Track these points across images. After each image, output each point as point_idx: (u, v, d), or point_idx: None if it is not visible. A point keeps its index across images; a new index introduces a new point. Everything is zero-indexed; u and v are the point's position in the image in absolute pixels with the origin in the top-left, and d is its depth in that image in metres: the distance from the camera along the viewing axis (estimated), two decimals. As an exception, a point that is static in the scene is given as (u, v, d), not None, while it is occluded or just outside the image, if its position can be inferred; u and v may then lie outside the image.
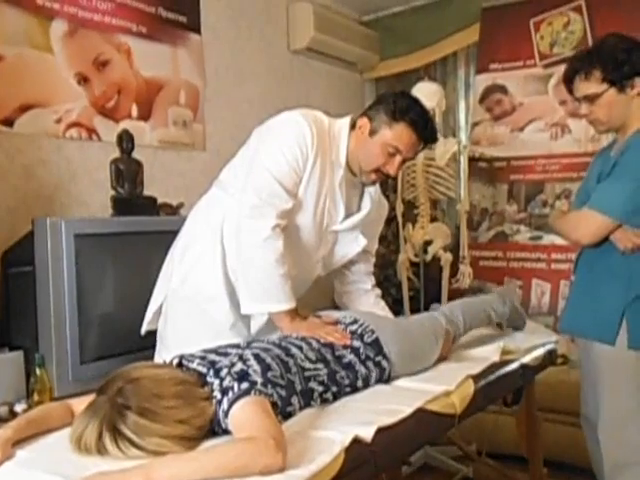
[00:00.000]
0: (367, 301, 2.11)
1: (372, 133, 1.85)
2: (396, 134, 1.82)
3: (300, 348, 1.56)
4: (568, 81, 2.02)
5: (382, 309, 2.11)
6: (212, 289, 1.87)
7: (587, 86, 1.95)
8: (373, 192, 2.00)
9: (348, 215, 1.93)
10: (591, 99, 1.95)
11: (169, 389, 1.28)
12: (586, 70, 1.94)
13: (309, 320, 1.80)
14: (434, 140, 1.96)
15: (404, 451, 1.57)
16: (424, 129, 1.84)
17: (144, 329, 2.01)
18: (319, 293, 2.20)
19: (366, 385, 1.64)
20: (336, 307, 2.12)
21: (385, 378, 1.69)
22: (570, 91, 2.03)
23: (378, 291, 2.15)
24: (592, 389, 2.05)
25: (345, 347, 1.64)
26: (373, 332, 1.71)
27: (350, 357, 1.63)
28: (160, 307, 1.98)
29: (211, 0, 3.43)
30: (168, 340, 1.93)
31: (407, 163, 3.48)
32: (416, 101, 1.88)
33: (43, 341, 2.13)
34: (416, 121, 1.82)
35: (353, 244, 1.98)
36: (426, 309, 2.53)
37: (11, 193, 2.53)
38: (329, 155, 1.85)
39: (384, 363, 1.68)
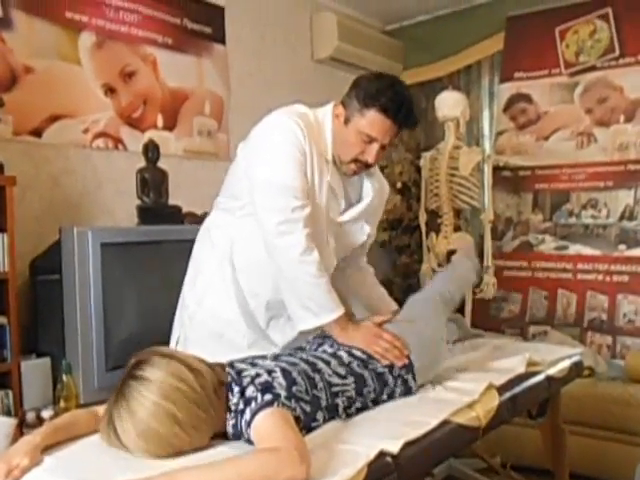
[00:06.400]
0: (362, 279, 2.08)
1: (347, 121, 1.74)
2: (368, 121, 1.70)
3: (328, 363, 1.53)
4: None
5: (381, 297, 2.09)
6: (227, 313, 1.83)
7: None
8: (374, 179, 1.90)
9: (349, 206, 1.85)
10: None
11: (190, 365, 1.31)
12: None
13: (364, 329, 1.70)
14: (412, 124, 1.79)
15: (429, 463, 1.56)
16: (397, 113, 1.70)
17: None
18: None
19: (390, 399, 1.61)
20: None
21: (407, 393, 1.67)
22: None
23: (371, 269, 2.12)
24: None
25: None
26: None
27: (383, 369, 1.61)
28: (178, 339, 1.92)
29: (236, 11, 3.47)
30: None
31: (430, 172, 3.55)
32: (391, 84, 1.73)
33: (70, 348, 2.16)
34: (387, 106, 1.68)
35: (357, 234, 1.90)
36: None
37: (38, 202, 2.57)
38: (321, 146, 1.76)
39: (411, 382, 1.65)
